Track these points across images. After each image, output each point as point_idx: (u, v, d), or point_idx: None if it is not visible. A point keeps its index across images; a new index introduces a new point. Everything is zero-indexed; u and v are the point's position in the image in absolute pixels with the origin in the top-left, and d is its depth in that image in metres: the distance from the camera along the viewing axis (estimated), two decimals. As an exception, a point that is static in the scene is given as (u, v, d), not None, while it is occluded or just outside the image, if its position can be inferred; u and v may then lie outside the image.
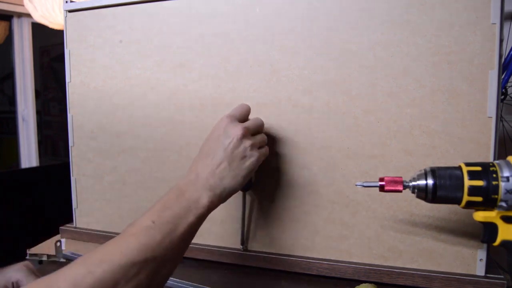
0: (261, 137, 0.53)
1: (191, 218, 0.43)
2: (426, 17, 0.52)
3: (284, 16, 0.58)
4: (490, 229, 0.41)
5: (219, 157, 0.47)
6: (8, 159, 2.65)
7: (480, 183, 0.39)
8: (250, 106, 0.54)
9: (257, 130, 0.53)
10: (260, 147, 0.52)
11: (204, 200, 0.45)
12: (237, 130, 0.48)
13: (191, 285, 0.57)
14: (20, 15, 2.38)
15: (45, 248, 0.72)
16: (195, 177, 0.46)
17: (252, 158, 0.49)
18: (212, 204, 0.45)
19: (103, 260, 0.36)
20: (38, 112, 2.60)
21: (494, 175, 0.39)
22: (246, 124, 0.51)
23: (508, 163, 0.39)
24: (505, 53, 1.20)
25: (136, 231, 0.40)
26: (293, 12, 0.58)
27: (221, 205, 0.58)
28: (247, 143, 0.49)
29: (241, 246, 0.63)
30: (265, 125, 0.61)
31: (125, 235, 0.40)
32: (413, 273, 0.54)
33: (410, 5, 0.52)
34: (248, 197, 0.63)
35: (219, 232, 0.66)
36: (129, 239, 0.39)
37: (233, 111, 0.52)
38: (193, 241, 0.67)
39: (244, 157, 0.48)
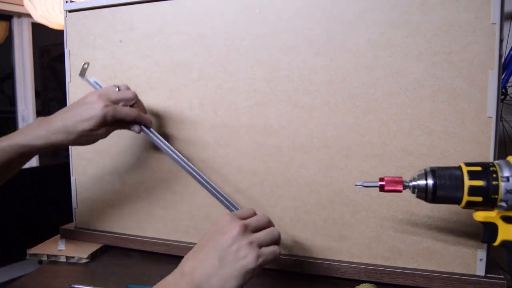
0: (266, 234, 0.46)
1: None
2: (426, 17, 0.52)
3: (284, 16, 0.58)
4: (490, 229, 0.41)
5: (209, 254, 0.42)
6: (8, 159, 2.64)
7: (480, 183, 0.39)
8: (250, 106, 0.54)
9: (261, 226, 0.47)
10: (267, 245, 0.45)
11: None
12: (233, 226, 0.44)
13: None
14: (20, 15, 2.37)
15: (45, 248, 0.72)
16: (180, 274, 0.42)
17: (248, 257, 0.42)
18: None
19: None
20: (38, 112, 2.60)
21: (494, 175, 0.39)
22: (247, 221, 0.46)
23: (508, 163, 0.39)
24: (505, 53, 1.20)
25: None
26: (293, 12, 0.58)
27: (222, 206, 0.58)
28: (244, 241, 0.43)
29: None
30: (266, 124, 0.61)
31: None
32: (413, 273, 0.55)
33: (410, 5, 0.52)
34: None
35: (219, 232, 0.65)
36: None
37: (237, 212, 0.49)
38: (193, 241, 0.68)
39: (237, 256, 0.42)
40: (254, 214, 0.49)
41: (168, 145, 0.61)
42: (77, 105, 0.55)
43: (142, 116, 0.60)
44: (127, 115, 0.57)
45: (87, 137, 0.55)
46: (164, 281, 0.42)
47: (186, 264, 0.43)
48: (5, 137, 0.55)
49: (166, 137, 0.67)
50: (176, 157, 0.60)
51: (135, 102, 0.59)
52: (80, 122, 0.54)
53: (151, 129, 0.61)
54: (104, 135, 0.57)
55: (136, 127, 0.60)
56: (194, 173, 0.59)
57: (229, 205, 0.57)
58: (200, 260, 0.42)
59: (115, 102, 0.57)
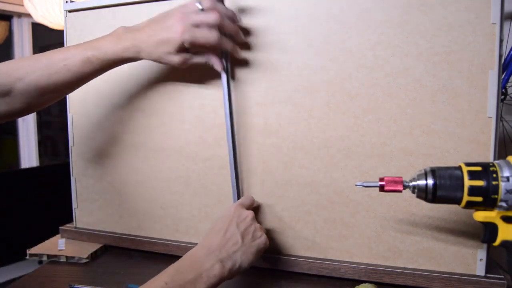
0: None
1: (202, 286, 0.44)
2: (426, 17, 0.52)
3: (284, 16, 0.58)
4: (490, 229, 0.41)
5: (232, 233, 0.50)
6: (8, 159, 2.65)
7: (480, 183, 0.39)
8: (250, 106, 0.55)
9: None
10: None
11: (216, 270, 0.46)
12: (248, 212, 0.54)
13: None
14: (20, 15, 2.37)
15: (45, 248, 0.72)
16: (207, 249, 0.48)
17: (262, 238, 0.53)
18: (222, 276, 0.46)
19: None
20: (38, 112, 2.60)
21: (494, 175, 0.39)
22: (250, 203, 0.59)
23: (508, 163, 0.39)
24: (505, 53, 1.20)
25: None
26: (293, 12, 0.58)
27: (222, 206, 0.58)
28: (258, 225, 0.54)
29: None
30: (266, 124, 0.61)
31: None
32: (413, 273, 0.55)
33: (410, 5, 0.52)
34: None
35: (219, 232, 0.65)
36: None
37: (242, 200, 0.58)
38: (194, 241, 0.68)
39: (254, 236, 0.52)
40: (254, 201, 0.61)
41: (231, 106, 0.59)
42: (160, 23, 0.53)
43: (224, 43, 0.54)
44: (205, 41, 0.52)
45: (166, 59, 0.54)
46: (191, 256, 0.47)
47: (213, 242, 0.49)
48: (86, 45, 0.54)
49: (166, 137, 0.67)
50: (229, 124, 0.59)
51: (222, 24, 0.53)
52: (159, 45, 0.52)
53: (229, 76, 0.58)
54: (183, 63, 0.54)
55: (217, 63, 0.56)
56: (232, 148, 0.59)
57: (237, 192, 0.61)
58: (226, 239, 0.50)
59: (196, 26, 0.52)
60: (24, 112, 0.54)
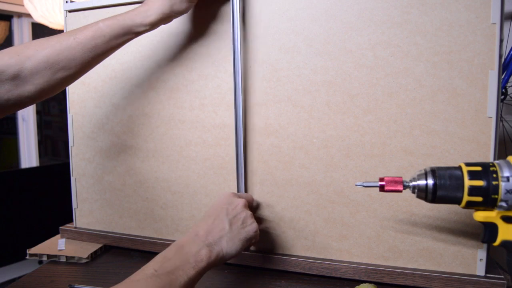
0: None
1: (191, 271, 0.44)
2: (426, 17, 0.52)
3: (284, 16, 0.58)
4: (490, 229, 0.41)
5: (221, 219, 0.50)
6: (8, 159, 2.65)
7: (480, 183, 0.39)
8: (250, 106, 0.55)
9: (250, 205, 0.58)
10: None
11: (203, 255, 0.45)
12: (239, 200, 0.54)
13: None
14: (20, 15, 2.37)
15: (45, 248, 0.72)
16: (194, 235, 0.48)
17: (253, 225, 0.52)
18: (209, 261, 0.46)
19: None
20: (38, 112, 2.60)
21: (494, 175, 0.39)
22: (246, 197, 0.59)
23: (508, 163, 0.39)
24: (505, 53, 1.20)
25: (140, 278, 0.41)
26: (293, 12, 0.58)
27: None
28: (249, 212, 0.53)
29: None
30: (266, 124, 0.61)
31: (129, 281, 0.41)
32: (413, 273, 0.54)
33: (410, 5, 0.52)
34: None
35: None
36: (132, 284, 0.40)
37: (238, 193, 0.59)
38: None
39: (244, 223, 0.52)
40: (251, 198, 0.61)
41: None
42: None
43: None
44: None
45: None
46: (178, 243, 0.47)
47: (200, 228, 0.49)
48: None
49: (166, 137, 0.67)
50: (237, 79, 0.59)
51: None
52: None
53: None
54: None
55: None
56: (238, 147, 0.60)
57: (239, 183, 0.62)
58: (214, 225, 0.50)
59: None
60: (35, 97, 0.51)
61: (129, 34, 0.55)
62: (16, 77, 0.48)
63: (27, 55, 0.49)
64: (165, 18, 0.55)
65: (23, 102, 0.51)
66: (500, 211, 0.39)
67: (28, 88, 0.49)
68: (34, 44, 0.50)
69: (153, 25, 0.55)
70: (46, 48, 0.50)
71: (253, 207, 0.63)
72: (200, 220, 0.52)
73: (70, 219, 0.78)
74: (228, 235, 0.49)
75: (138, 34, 0.55)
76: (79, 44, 0.51)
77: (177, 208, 0.68)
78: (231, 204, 0.53)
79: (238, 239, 0.50)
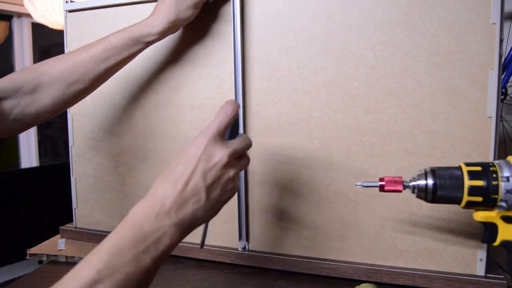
0: (245, 161, 0.44)
1: (147, 262, 0.34)
2: (426, 17, 0.52)
3: (284, 16, 0.58)
4: (490, 229, 0.41)
5: (195, 185, 0.38)
6: (8, 159, 2.65)
7: (480, 183, 0.39)
8: (250, 106, 0.54)
9: (244, 152, 0.44)
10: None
11: (166, 240, 0.35)
12: (223, 154, 0.39)
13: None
14: (20, 15, 2.38)
15: (45, 248, 0.72)
16: (159, 209, 0.36)
17: (234, 189, 0.41)
18: (175, 243, 0.36)
19: None
20: (38, 112, 2.60)
21: (494, 175, 0.39)
22: (235, 146, 0.41)
23: (508, 163, 0.39)
24: (505, 53, 1.20)
25: (76, 285, 0.30)
26: (293, 12, 0.58)
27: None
28: (232, 172, 0.40)
29: (239, 248, 0.63)
30: (266, 124, 0.61)
31: None
32: (413, 273, 0.54)
33: (410, 5, 0.52)
34: (248, 197, 0.63)
35: (219, 232, 0.65)
36: None
37: (217, 123, 0.41)
38: (194, 241, 0.67)
39: (224, 189, 0.40)
40: (235, 115, 0.43)
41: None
42: None
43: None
44: None
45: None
46: (135, 222, 0.36)
47: (168, 196, 0.37)
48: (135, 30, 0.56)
49: (166, 137, 0.67)
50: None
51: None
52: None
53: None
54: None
55: None
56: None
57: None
58: (186, 193, 0.37)
59: None
60: (52, 110, 0.54)
61: (139, 44, 0.56)
62: (34, 91, 0.52)
63: (43, 70, 0.53)
64: (172, 27, 0.56)
65: (40, 117, 0.54)
66: (500, 211, 0.39)
67: (45, 101, 0.53)
68: (50, 60, 0.54)
69: (161, 34, 0.56)
70: (62, 63, 0.53)
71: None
72: (164, 176, 0.38)
73: (70, 219, 0.78)
74: (205, 206, 0.38)
75: (148, 44, 0.57)
76: (92, 57, 0.54)
77: (177, 208, 0.68)
78: (211, 159, 0.38)
79: (215, 209, 0.40)
